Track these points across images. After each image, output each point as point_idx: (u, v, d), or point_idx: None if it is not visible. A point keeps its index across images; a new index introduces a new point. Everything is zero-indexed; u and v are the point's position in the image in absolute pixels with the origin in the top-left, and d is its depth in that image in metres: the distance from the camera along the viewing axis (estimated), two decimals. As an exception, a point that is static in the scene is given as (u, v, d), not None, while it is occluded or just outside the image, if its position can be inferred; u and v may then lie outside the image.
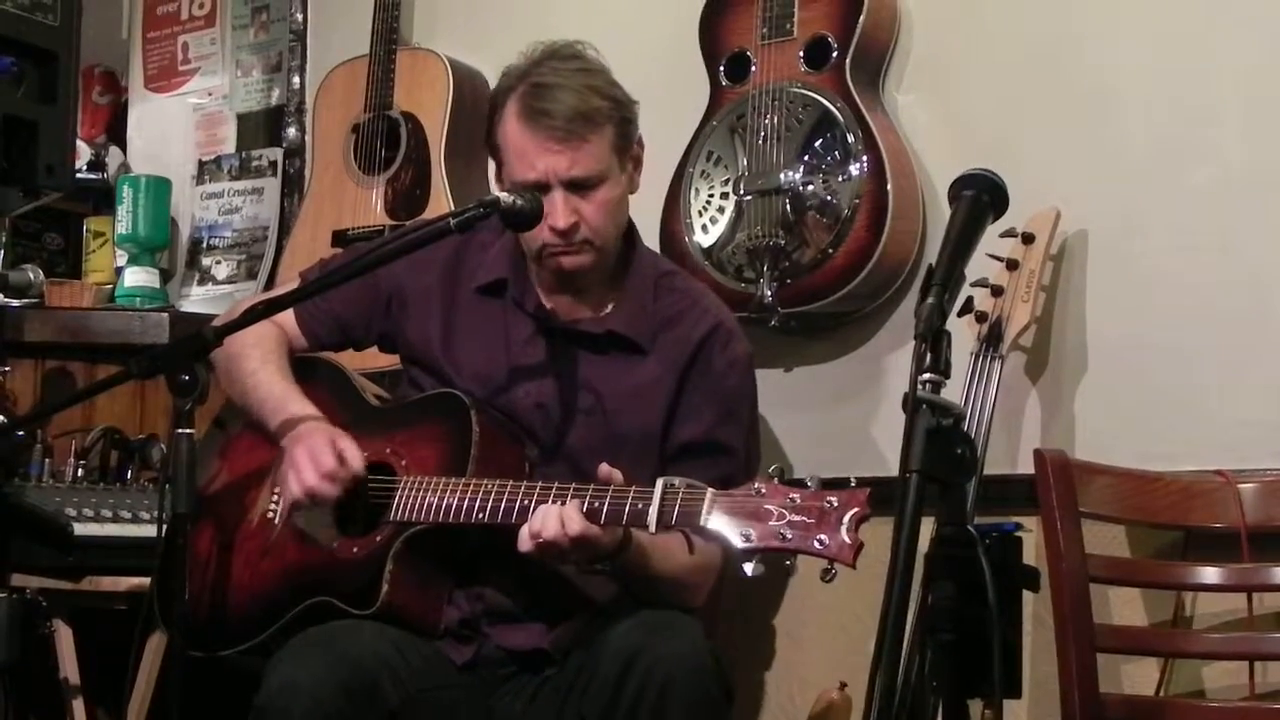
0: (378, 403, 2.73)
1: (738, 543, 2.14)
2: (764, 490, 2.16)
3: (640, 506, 2.23)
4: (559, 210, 2.49)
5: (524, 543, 2.30)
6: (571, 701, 2.40)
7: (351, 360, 2.84)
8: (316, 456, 2.46)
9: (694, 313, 2.65)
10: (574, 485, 2.33)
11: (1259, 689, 2.57)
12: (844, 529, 2.09)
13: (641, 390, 2.58)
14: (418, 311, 2.69)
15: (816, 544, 2.10)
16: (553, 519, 2.27)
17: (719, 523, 2.16)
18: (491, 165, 2.66)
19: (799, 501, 2.13)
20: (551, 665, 2.49)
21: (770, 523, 2.13)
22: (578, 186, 2.51)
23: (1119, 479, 2.66)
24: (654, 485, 2.23)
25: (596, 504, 2.27)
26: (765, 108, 3.02)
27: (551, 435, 2.58)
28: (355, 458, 2.48)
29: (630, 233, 2.69)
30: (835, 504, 2.11)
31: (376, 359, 2.90)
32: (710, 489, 2.20)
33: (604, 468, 2.31)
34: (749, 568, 2.14)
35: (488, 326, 2.65)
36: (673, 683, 2.26)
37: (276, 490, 2.59)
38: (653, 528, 2.21)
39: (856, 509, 2.10)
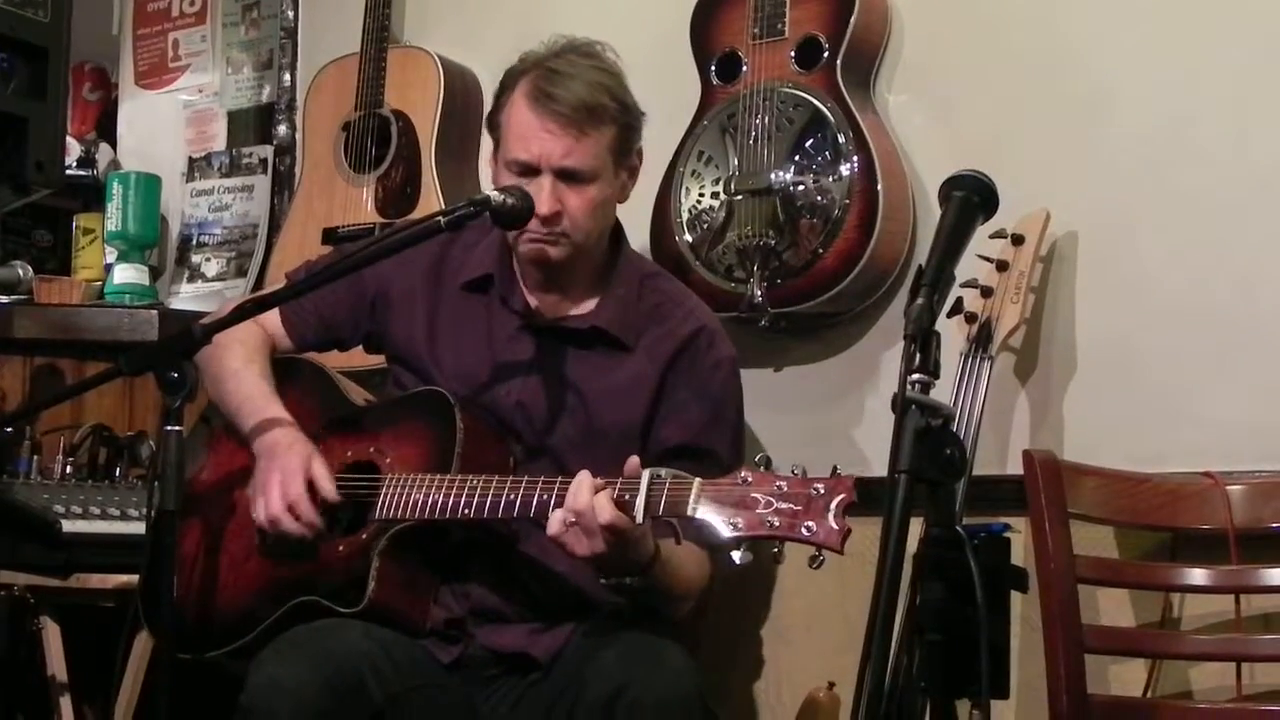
0: (362, 403, 2.72)
1: (725, 531, 2.14)
2: (750, 479, 2.16)
3: (627, 497, 2.23)
4: (544, 196, 2.49)
5: (553, 525, 2.26)
6: (557, 714, 2.39)
7: (337, 360, 2.83)
8: (285, 483, 2.45)
9: (679, 312, 2.66)
10: (559, 479, 2.33)
11: (1246, 690, 2.57)
12: (831, 515, 2.09)
13: (625, 386, 2.58)
14: (402, 310, 2.69)
15: (804, 531, 2.10)
16: (585, 496, 2.23)
17: (706, 512, 2.16)
18: (487, 145, 2.66)
19: (786, 489, 2.13)
20: (537, 669, 2.49)
21: (757, 510, 2.13)
22: (568, 177, 2.51)
23: (1107, 480, 2.66)
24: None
25: None
26: (756, 107, 3.01)
27: (534, 432, 2.58)
28: (327, 486, 2.47)
29: (617, 234, 2.70)
30: (822, 491, 2.11)
31: (364, 359, 2.89)
32: (697, 479, 2.20)
33: (632, 460, 2.28)
34: (737, 556, 2.14)
35: (472, 323, 2.64)
36: (660, 715, 2.26)
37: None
38: (640, 517, 2.21)
39: (843, 495, 2.10)
